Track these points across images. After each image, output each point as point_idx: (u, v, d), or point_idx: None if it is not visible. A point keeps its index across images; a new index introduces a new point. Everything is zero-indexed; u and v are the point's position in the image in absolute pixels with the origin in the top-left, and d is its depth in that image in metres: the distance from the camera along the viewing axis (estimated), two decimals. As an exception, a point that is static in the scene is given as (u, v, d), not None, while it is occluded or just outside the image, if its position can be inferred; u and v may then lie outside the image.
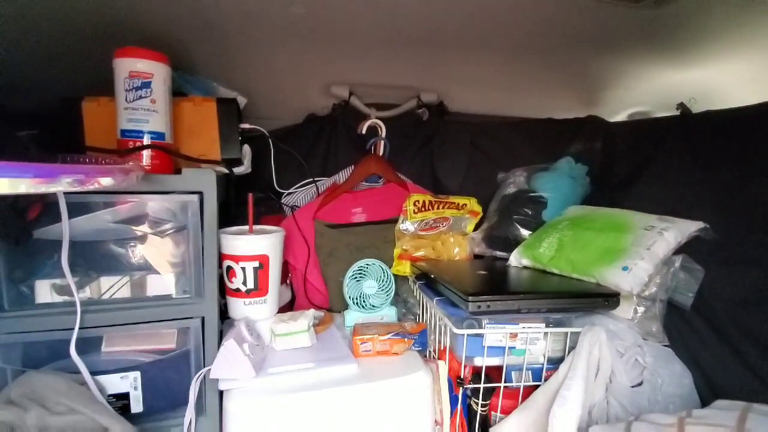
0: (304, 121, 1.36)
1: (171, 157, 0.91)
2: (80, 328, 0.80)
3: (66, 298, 0.84)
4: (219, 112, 1.04)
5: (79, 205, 0.82)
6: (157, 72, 0.88)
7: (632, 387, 0.86)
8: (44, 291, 0.83)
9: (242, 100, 1.17)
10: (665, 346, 0.90)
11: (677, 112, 1.16)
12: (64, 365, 0.82)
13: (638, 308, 0.91)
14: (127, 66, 0.85)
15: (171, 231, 0.89)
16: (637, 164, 1.18)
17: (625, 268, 0.88)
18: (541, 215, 1.25)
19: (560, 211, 1.22)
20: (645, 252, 0.88)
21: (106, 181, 0.58)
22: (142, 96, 0.86)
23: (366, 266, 1.18)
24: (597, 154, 1.31)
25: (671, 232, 0.89)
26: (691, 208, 0.95)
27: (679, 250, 0.91)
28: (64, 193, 0.77)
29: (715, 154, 0.98)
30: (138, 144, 0.87)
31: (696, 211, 0.94)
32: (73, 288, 0.80)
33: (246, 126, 1.10)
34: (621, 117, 1.40)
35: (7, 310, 0.81)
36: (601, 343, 0.88)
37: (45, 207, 0.78)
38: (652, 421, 0.68)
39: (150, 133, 0.88)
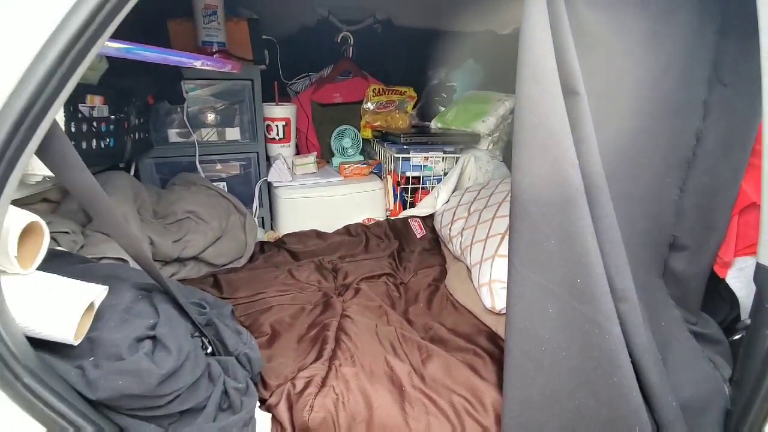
0: (298, 31, 1.97)
1: (231, 58, 1.56)
2: (199, 155, 1.52)
3: (183, 140, 1.54)
4: (249, 28, 1.65)
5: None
6: (219, 4, 1.49)
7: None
8: (173, 135, 1.53)
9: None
10: (501, 161, 1.75)
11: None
12: (187, 176, 1.55)
13: (490, 144, 1.73)
14: (205, 1, 1.45)
15: (237, 102, 1.58)
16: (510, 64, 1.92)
17: (483, 121, 1.68)
18: (452, 97, 2.01)
19: (463, 94, 1.98)
20: (494, 112, 1.68)
21: (228, 68, 1.26)
22: (212, 20, 1.48)
23: (344, 129, 1.93)
24: (489, 56, 2.04)
25: (508, 102, 1.69)
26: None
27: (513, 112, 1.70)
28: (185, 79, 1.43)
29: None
30: (214, 50, 1.51)
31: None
32: (191, 131, 1.50)
33: (265, 37, 1.73)
34: (508, 30, 2.09)
35: (155, 146, 1.51)
36: (470, 162, 1.71)
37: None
38: (476, 188, 1.52)
39: (218, 42, 1.51)
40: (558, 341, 0.71)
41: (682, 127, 0.86)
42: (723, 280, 0.93)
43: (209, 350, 0.71)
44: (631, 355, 0.71)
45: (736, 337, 0.91)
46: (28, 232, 0.57)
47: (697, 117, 0.86)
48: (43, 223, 0.58)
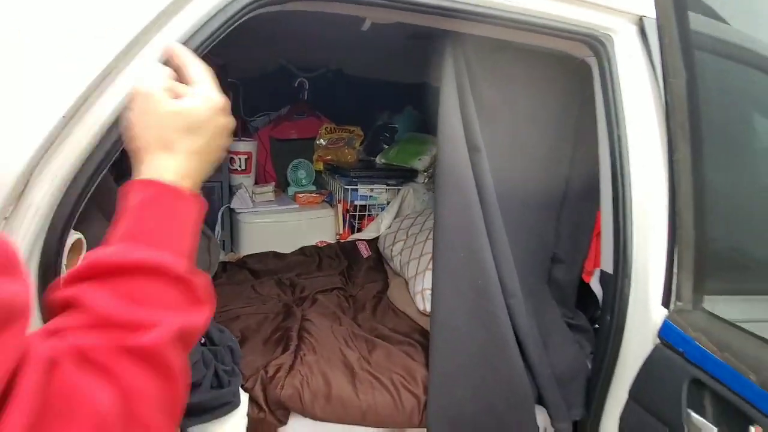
0: (259, 76, 2.20)
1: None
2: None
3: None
4: (218, 73, 1.86)
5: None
6: (192, 52, 1.69)
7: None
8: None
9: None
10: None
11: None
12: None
13: (426, 178, 2.05)
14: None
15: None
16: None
17: (420, 159, 2.00)
18: (394, 137, 2.33)
19: (403, 135, 2.30)
20: (429, 152, 2.00)
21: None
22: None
23: (299, 162, 2.16)
24: (425, 104, 2.38)
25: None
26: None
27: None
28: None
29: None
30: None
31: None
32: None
33: (230, 79, 1.95)
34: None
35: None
36: (410, 193, 2.01)
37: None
38: (414, 215, 1.81)
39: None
40: (467, 328, 0.99)
41: (556, 175, 1.19)
42: (588, 285, 1.26)
43: (203, 341, 0.91)
44: (516, 337, 0.99)
45: (597, 326, 1.24)
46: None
47: (565, 168, 1.20)
48: (83, 239, 0.76)
